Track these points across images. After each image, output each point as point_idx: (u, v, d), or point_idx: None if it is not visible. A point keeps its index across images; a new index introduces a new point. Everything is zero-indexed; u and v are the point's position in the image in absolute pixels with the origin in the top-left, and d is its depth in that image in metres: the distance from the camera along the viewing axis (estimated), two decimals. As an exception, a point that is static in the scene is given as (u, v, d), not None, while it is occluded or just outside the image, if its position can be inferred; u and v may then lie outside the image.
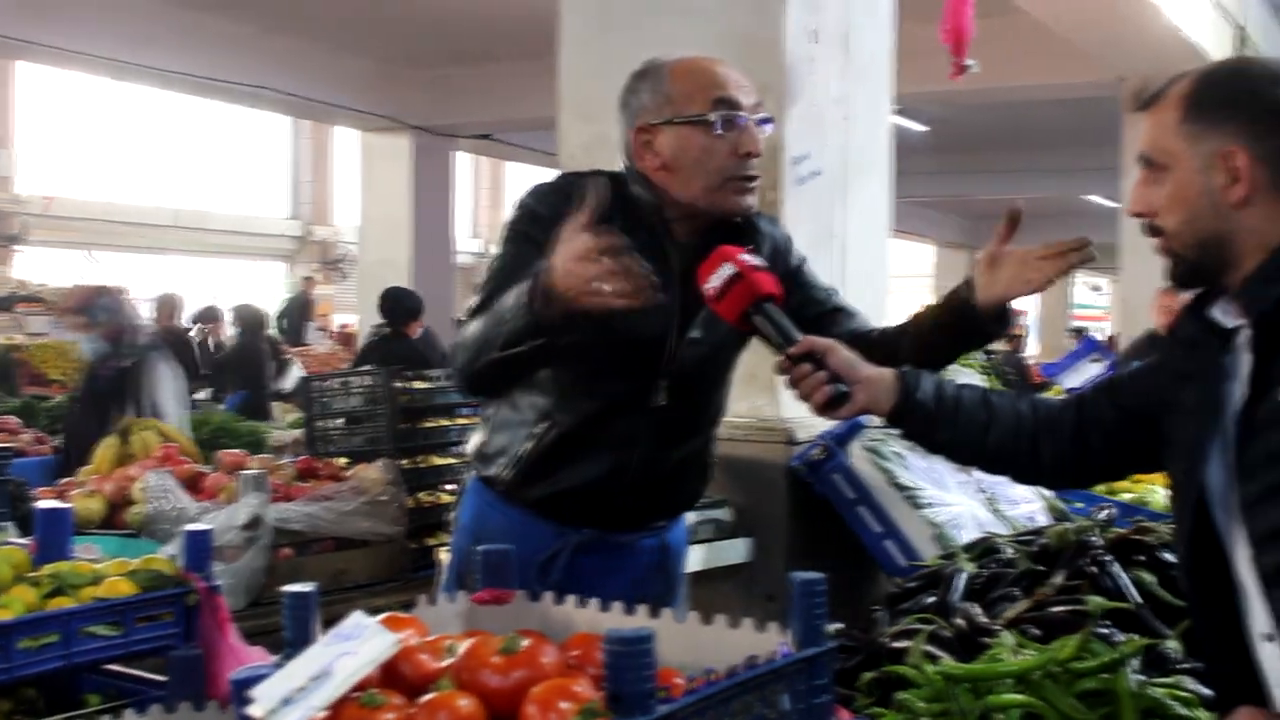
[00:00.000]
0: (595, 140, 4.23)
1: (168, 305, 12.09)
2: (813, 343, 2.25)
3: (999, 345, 8.49)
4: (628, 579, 2.63)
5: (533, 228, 2.51)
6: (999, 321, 2.44)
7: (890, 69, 4.66)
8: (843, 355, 2.24)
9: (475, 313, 2.47)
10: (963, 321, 2.46)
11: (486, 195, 28.07)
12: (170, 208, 22.45)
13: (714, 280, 2.32)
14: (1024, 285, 2.37)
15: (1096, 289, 36.59)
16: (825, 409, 2.25)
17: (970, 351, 2.58)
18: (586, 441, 2.61)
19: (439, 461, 4.93)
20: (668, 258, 2.54)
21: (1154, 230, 2.00)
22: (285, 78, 13.15)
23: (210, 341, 13.84)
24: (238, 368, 12.39)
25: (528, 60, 11.48)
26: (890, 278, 4.86)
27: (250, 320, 12.54)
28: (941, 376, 2.30)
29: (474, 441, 2.79)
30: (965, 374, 4.36)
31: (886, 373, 2.26)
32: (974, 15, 5.16)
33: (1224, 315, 1.98)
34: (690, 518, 3.07)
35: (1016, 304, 2.46)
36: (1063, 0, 9.07)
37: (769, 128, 2.60)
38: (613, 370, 2.55)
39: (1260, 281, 1.91)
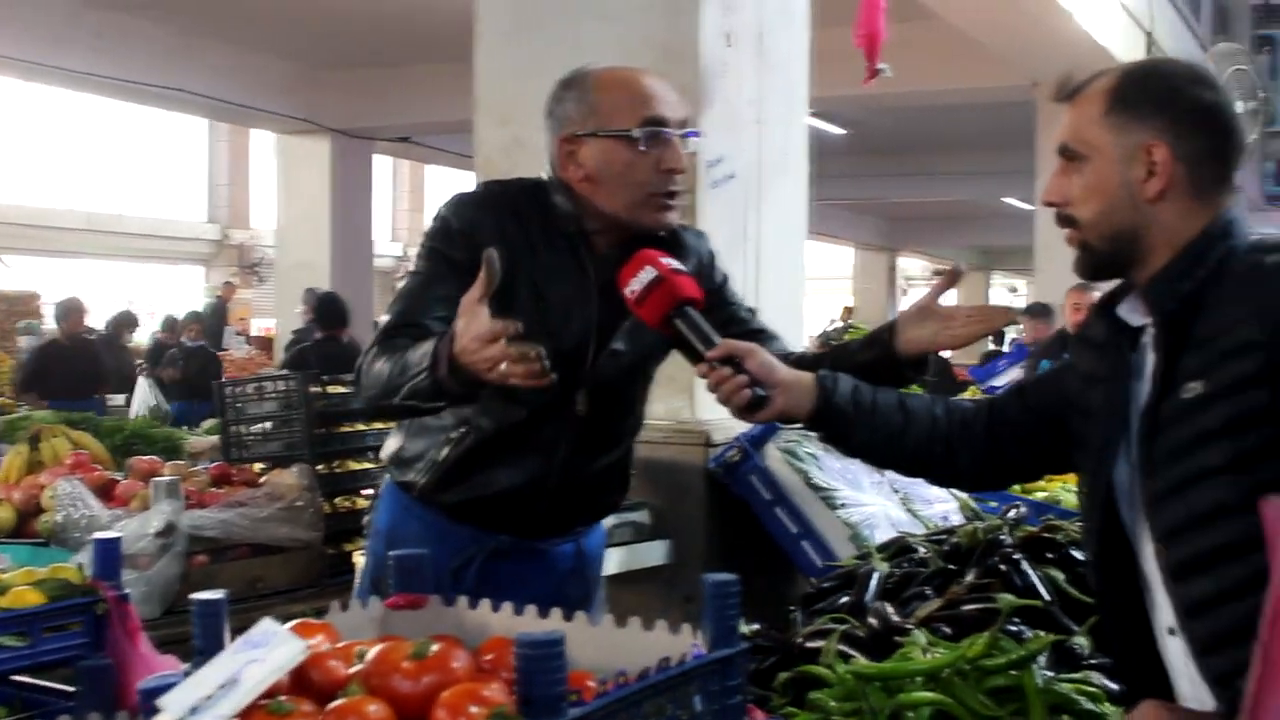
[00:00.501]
0: (512, 143, 4.22)
1: (73, 311, 11.88)
2: (732, 346, 2.27)
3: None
4: (544, 584, 2.62)
5: (446, 244, 2.50)
6: (916, 369, 2.49)
7: (805, 71, 4.68)
8: (762, 359, 2.26)
9: (386, 336, 2.46)
10: (882, 363, 2.49)
11: (407, 198, 27.93)
12: (84, 211, 22.13)
13: (634, 284, 2.32)
14: (949, 340, 2.44)
15: (1013, 290, 37.36)
16: (745, 413, 2.27)
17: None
18: (505, 448, 2.59)
19: (356, 466, 4.87)
20: (585, 268, 2.54)
21: (1067, 220, 2.03)
22: (202, 80, 13.03)
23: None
24: (198, 377, 12.22)
25: (446, 63, 11.43)
26: (808, 280, 4.88)
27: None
28: (858, 380, 2.33)
29: (390, 446, 2.76)
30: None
31: (805, 377, 2.28)
32: (888, 20, 5.20)
33: (1131, 313, 2.01)
34: (608, 521, 3.07)
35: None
36: (976, 5, 9.19)
37: (695, 140, 2.60)
38: None
39: (1167, 280, 1.94)
